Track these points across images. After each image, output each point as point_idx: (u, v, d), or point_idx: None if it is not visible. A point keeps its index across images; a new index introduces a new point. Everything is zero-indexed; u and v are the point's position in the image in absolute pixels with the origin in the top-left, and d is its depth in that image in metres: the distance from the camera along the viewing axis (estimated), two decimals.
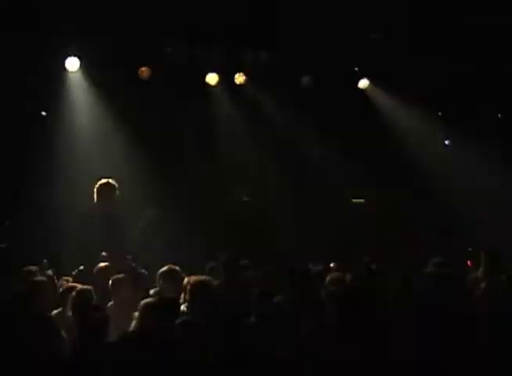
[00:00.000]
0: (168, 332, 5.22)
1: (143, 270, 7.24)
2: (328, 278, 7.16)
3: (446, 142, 12.42)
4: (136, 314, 5.78)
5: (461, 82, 11.09)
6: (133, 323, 5.73)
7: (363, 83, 11.51)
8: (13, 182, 10.29)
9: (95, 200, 8.08)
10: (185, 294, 6.27)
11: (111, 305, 6.54)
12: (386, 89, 11.36)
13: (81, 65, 10.30)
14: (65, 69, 10.30)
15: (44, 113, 10.81)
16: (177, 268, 6.92)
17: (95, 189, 8.12)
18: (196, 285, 6.16)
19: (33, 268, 7.33)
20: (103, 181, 8.17)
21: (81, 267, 7.39)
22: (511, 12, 9.59)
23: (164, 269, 6.89)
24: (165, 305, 5.53)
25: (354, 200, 11.85)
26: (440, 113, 12.11)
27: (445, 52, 10.68)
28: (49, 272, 7.49)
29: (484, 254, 8.11)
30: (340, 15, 9.82)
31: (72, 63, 10.28)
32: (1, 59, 9.59)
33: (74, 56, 10.24)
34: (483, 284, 7.07)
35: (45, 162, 10.36)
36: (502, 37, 10.18)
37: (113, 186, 8.24)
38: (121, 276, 6.84)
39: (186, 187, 10.99)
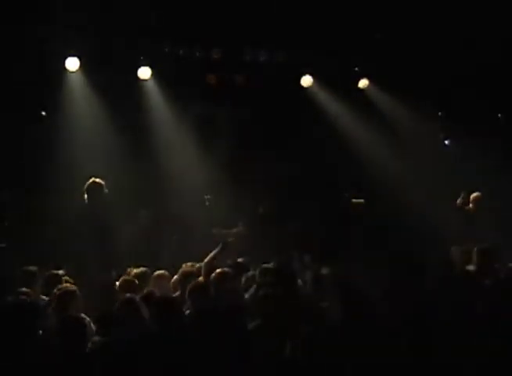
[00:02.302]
0: None
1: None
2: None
3: (446, 142, 12.44)
4: None
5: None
6: None
7: (363, 83, 11.51)
8: (12, 182, 10.28)
9: (86, 199, 8.26)
10: None
11: None
12: (386, 89, 11.37)
13: (81, 65, 10.29)
14: (65, 69, 10.31)
15: (43, 113, 10.82)
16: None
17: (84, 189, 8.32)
18: None
19: (32, 268, 7.40)
20: (91, 180, 8.40)
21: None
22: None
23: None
24: None
25: (354, 201, 11.84)
26: (440, 113, 12.16)
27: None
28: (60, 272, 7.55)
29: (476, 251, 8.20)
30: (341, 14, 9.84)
31: (72, 63, 10.27)
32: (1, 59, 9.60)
33: (74, 56, 10.23)
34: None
35: (45, 162, 10.38)
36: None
37: (101, 184, 8.39)
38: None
39: None
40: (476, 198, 10.32)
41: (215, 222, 9.99)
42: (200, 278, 7.67)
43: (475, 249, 8.37)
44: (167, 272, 7.78)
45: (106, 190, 8.29)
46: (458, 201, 10.34)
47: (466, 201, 10.21)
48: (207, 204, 9.81)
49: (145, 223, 9.83)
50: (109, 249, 8.12)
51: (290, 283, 6.82)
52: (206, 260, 7.83)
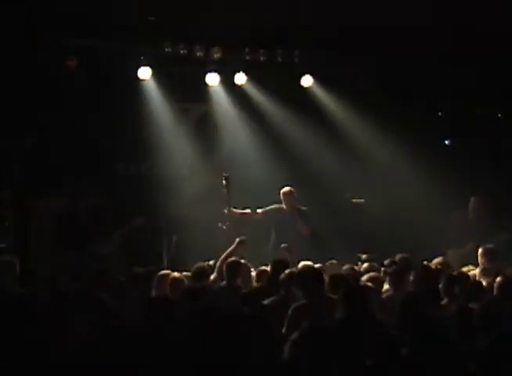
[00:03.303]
0: None
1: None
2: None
3: (446, 142, 12.45)
4: None
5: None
6: None
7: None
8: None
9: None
10: None
11: None
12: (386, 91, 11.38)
13: (80, 65, 10.28)
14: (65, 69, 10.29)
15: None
16: None
17: None
18: None
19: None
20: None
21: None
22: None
23: None
24: None
25: (354, 200, 11.84)
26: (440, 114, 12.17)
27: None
28: None
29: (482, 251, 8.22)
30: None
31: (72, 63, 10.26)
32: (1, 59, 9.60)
33: (74, 55, 10.22)
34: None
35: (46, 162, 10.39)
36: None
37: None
38: None
39: None
40: (473, 201, 10.41)
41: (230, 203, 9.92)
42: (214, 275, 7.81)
43: (480, 250, 8.40)
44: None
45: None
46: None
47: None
48: (224, 183, 9.78)
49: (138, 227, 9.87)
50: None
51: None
52: (222, 257, 7.95)
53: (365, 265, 8.02)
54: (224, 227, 9.51)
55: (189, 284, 7.30)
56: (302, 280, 6.65)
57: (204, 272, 7.74)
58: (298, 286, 6.69)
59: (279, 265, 7.43)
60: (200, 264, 8.01)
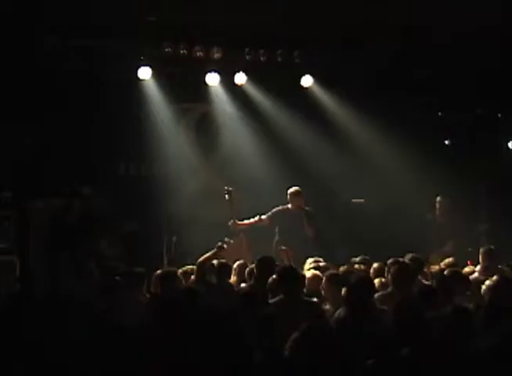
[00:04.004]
0: None
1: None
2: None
3: (446, 142, 12.45)
4: None
5: None
6: None
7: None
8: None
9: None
10: None
11: None
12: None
13: (80, 65, 10.28)
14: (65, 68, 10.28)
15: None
16: None
17: None
18: None
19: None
20: None
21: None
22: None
23: None
24: None
25: (354, 200, 11.84)
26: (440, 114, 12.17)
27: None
28: None
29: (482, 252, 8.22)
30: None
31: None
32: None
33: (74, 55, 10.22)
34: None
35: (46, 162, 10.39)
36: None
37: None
38: None
39: None
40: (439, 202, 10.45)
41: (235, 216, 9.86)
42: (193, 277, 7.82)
43: (481, 249, 8.41)
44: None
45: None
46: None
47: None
48: (226, 197, 9.73)
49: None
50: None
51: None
52: (199, 260, 7.93)
53: (375, 265, 7.97)
54: (231, 241, 9.43)
55: (186, 285, 7.27)
56: (282, 278, 6.63)
57: (171, 276, 7.59)
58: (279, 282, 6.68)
59: (264, 265, 7.39)
60: (166, 268, 7.93)
